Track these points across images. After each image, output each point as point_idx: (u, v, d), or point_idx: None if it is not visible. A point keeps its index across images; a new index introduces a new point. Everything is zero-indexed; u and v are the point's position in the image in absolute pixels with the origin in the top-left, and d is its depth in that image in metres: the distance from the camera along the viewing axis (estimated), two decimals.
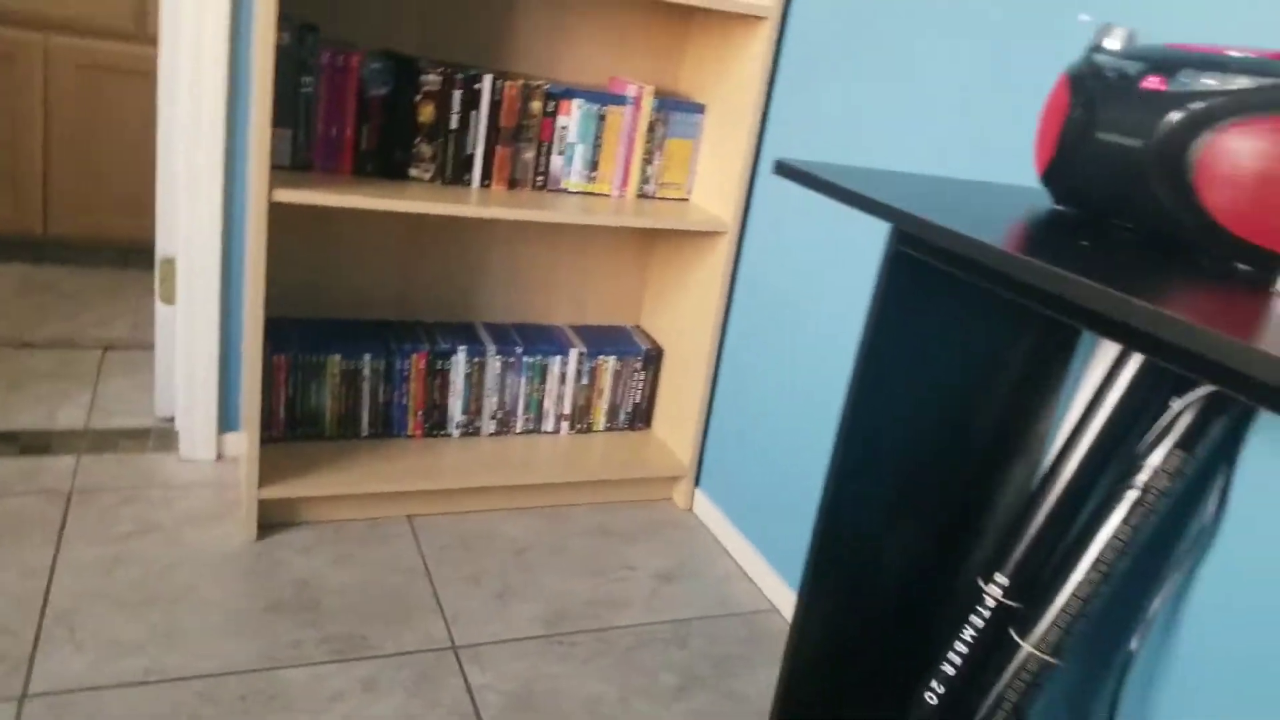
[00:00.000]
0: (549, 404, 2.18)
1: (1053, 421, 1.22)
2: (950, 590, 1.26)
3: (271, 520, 1.87)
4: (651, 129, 2.03)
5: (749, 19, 1.91)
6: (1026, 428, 1.22)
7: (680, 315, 2.18)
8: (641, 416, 2.30)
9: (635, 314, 2.37)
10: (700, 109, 2.05)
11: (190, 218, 1.90)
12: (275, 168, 1.76)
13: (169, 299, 2.05)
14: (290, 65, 1.71)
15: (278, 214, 1.95)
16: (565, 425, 2.22)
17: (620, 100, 1.98)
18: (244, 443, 1.78)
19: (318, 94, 1.75)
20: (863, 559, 1.18)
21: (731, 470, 2.06)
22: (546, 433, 2.21)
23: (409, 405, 2.06)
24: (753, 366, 1.99)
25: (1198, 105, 0.81)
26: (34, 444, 2.02)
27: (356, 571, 1.78)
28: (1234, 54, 0.83)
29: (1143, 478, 1.06)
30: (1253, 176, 0.79)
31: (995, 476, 1.23)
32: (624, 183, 2.04)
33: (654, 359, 2.25)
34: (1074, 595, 1.09)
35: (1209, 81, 0.82)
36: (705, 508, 2.14)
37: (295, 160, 1.78)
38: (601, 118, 1.97)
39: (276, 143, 1.74)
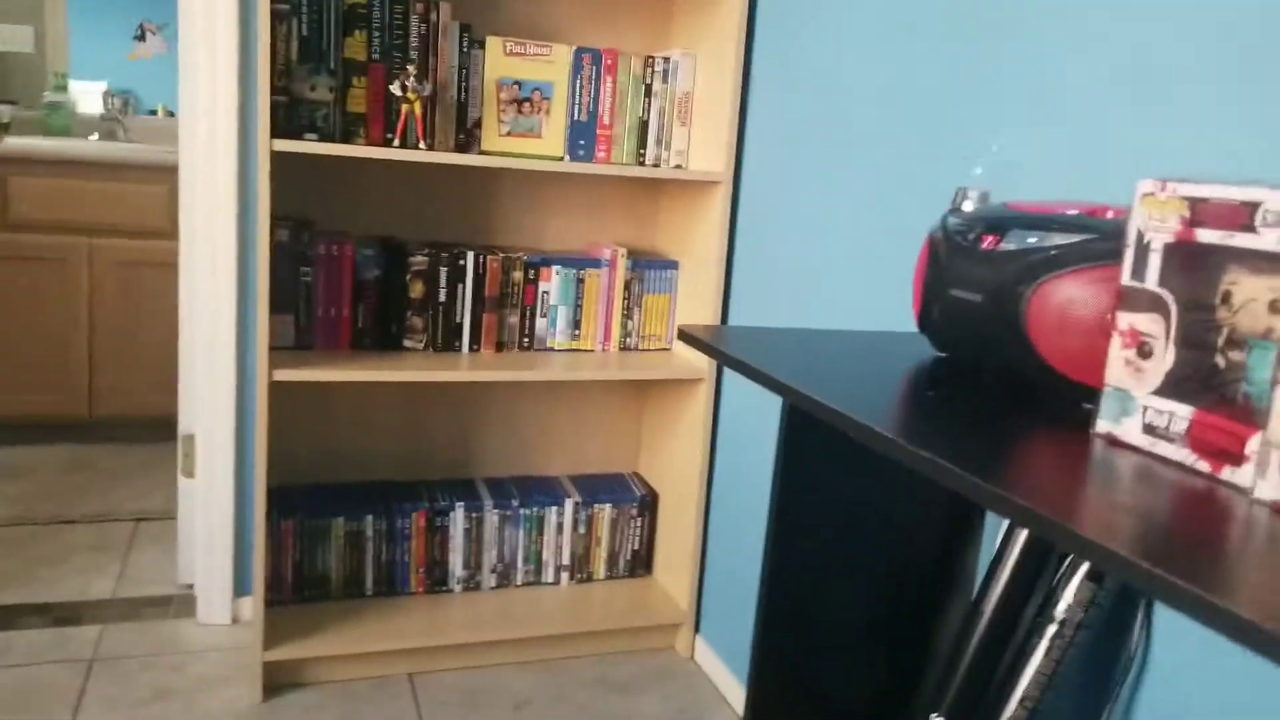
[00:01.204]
0: (548, 555, 2.25)
1: (978, 557, 1.26)
2: None
3: (280, 682, 1.94)
4: (628, 287, 2.17)
5: (706, 184, 2.08)
6: (956, 563, 1.26)
7: (672, 460, 2.26)
8: (641, 563, 2.35)
9: (633, 461, 2.46)
10: (674, 265, 2.20)
11: (208, 397, 2.07)
12: (278, 349, 1.92)
13: (189, 473, 2.20)
14: (290, 257, 1.89)
15: (283, 391, 2.11)
16: (565, 575, 2.28)
17: (596, 264, 2.13)
18: (255, 609, 1.88)
19: (316, 281, 1.93)
20: (806, 707, 1.21)
21: (730, 615, 2.09)
22: (547, 584, 2.27)
23: (411, 563, 2.14)
24: (741, 507, 2.05)
25: (1021, 262, 0.91)
26: (66, 615, 2.13)
27: None
28: (1062, 211, 0.93)
29: (1059, 611, 1.09)
30: (1076, 322, 0.87)
31: (932, 613, 1.27)
32: (606, 338, 2.17)
33: (650, 504, 2.32)
34: None
35: (1032, 240, 0.91)
36: (706, 655, 2.16)
37: (299, 341, 1.94)
38: (580, 280, 2.12)
39: (279, 327, 1.91)
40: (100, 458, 3.04)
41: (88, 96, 3.39)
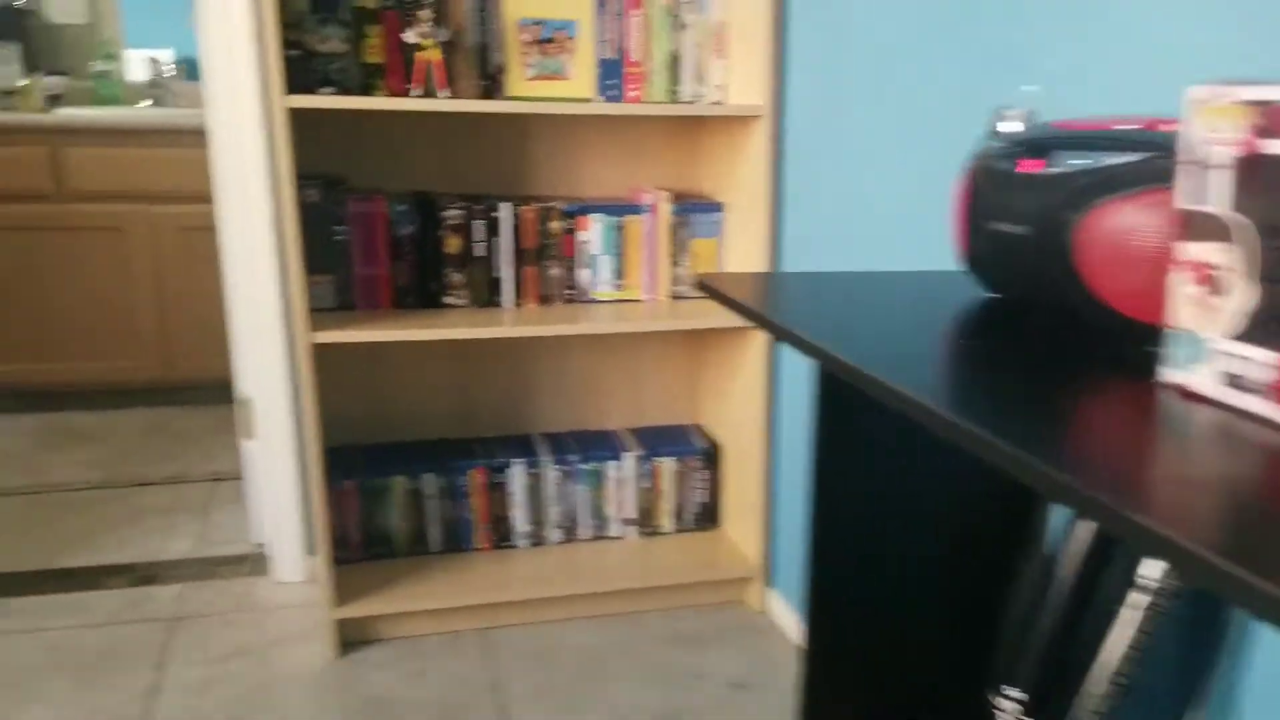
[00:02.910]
0: (611, 509, 2.22)
1: (1049, 512, 1.17)
2: (963, 709, 1.21)
3: (352, 638, 1.97)
4: (674, 232, 2.08)
5: (747, 120, 1.95)
6: (1027, 521, 1.17)
7: (733, 410, 2.19)
8: (709, 516, 2.30)
9: (694, 412, 2.39)
10: (719, 207, 2.09)
11: (258, 361, 2.07)
12: (319, 310, 1.90)
13: (250, 435, 2.23)
14: (322, 217, 1.86)
15: (330, 353, 2.10)
16: (631, 529, 2.25)
17: (636, 209, 2.04)
18: (321, 569, 1.90)
19: (351, 240, 1.89)
20: (860, 678, 1.15)
21: (802, 567, 2.03)
22: (613, 538, 2.24)
23: (474, 520, 2.14)
24: (806, 456, 1.97)
25: (1067, 187, 0.80)
26: (145, 575, 2.20)
27: (429, 688, 1.85)
28: (1114, 128, 0.81)
29: (1147, 575, 0.99)
30: (1133, 253, 0.76)
31: (1002, 576, 1.18)
32: (653, 287, 2.09)
33: (713, 456, 2.26)
34: (1094, 713, 1.02)
35: (1079, 161, 0.80)
36: (779, 608, 2.11)
37: (340, 301, 1.92)
38: (620, 228, 2.04)
39: (318, 288, 1.89)
40: (175, 420, 3.12)
41: (140, 64, 3.40)
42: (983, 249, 0.90)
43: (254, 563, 2.28)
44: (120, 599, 2.11)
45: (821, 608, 1.09)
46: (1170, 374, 0.71)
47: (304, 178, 1.89)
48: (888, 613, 1.14)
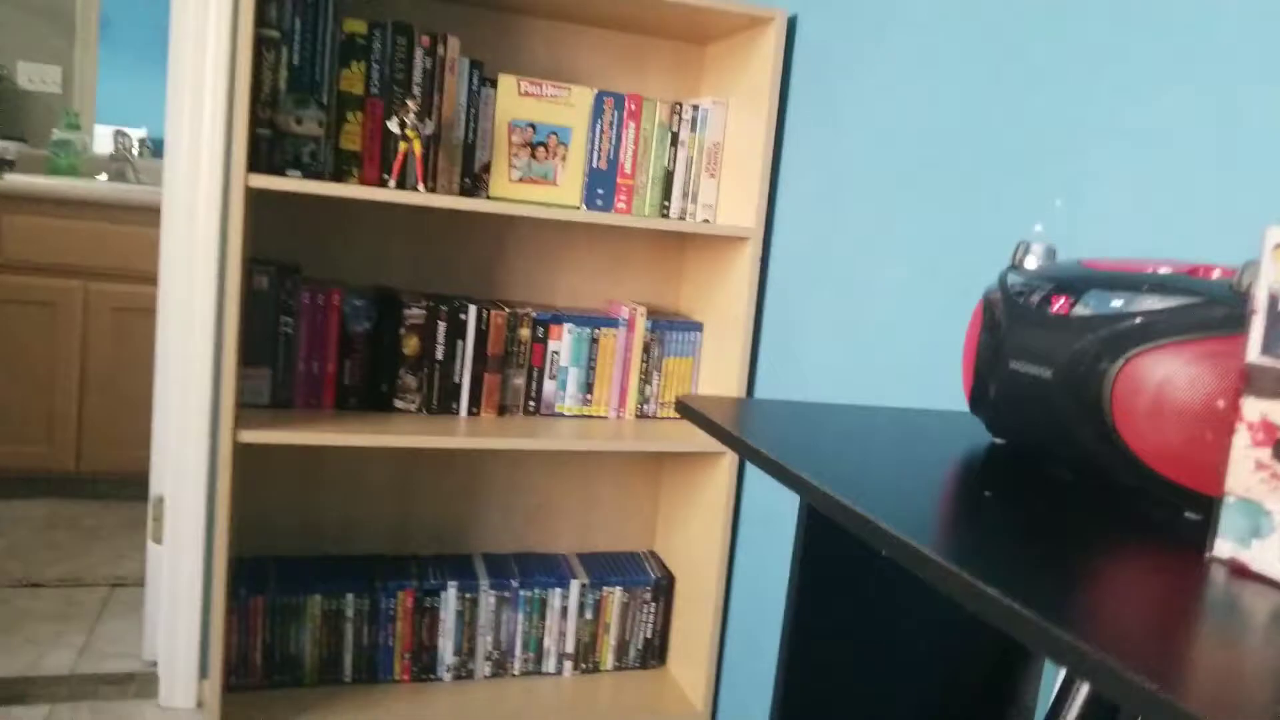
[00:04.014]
0: (549, 642, 2.02)
1: (1037, 691, 1.02)
2: None
3: None
4: (647, 349, 1.97)
5: (734, 240, 1.88)
6: (1010, 697, 1.03)
7: (691, 540, 2.04)
8: (654, 653, 2.11)
9: (649, 539, 2.23)
10: (698, 327, 2.00)
11: (178, 457, 1.88)
12: (252, 406, 1.74)
13: (158, 538, 2.01)
14: (269, 306, 1.72)
15: (256, 454, 1.92)
16: (569, 665, 2.04)
17: (613, 323, 1.94)
18: (210, 695, 1.66)
19: (298, 332, 1.75)
20: None
21: (749, 717, 1.84)
22: (548, 674, 2.03)
23: (395, 647, 1.92)
24: (765, 595, 1.81)
25: (1103, 331, 0.69)
26: (9, 693, 1.93)
27: None
28: (1151, 270, 0.72)
29: None
30: (1176, 408, 0.65)
31: None
32: (621, 404, 1.97)
33: (666, 588, 2.08)
34: None
35: (1117, 303, 0.70)
36: None
37: (275, 397, 1.76)
38: (594, 340, 1.93)
39: (252, 382, 1.73)
40: (83, 515, 2.86)
41: (105, 138, 3.29)
42: (996, 389, 0.80)
43: (141, 683, 2.02)
44: None
45: None
46: (1221, 547, 0.59)
47: (257, 263, 1.76)
48: None
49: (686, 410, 0.84)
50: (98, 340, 2.82)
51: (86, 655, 2.11)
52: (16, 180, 2.77)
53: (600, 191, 1.88)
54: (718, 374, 1.94)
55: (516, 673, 2.01)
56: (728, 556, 1.90)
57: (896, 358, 1.46)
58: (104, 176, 3.20)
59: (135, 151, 3.28)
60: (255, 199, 1.82)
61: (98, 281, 2.80)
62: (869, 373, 1.53)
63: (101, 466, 2.89)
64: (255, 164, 1.58)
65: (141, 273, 2.82)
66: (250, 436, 1.57)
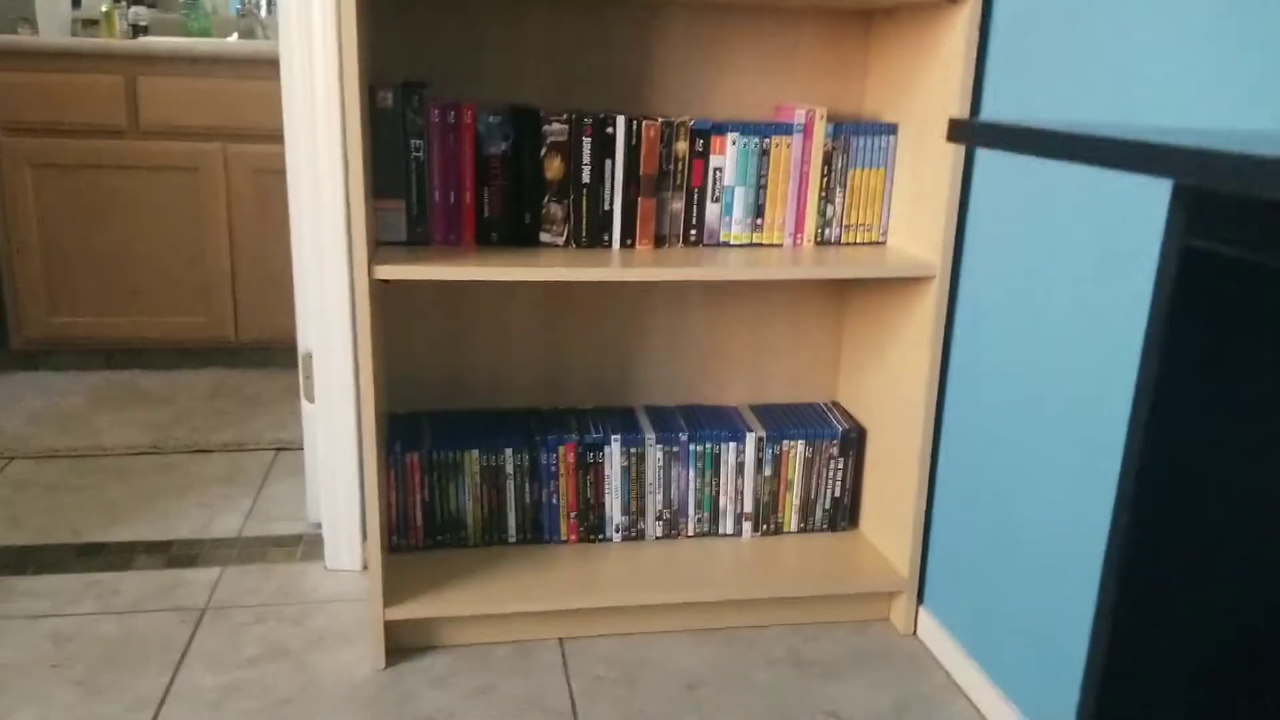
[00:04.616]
0: (725, 501, 1.82)
1: None
2: None
3: (405, 644, 1.63)
4: (828, 160, 1.66)
5: (942, 6, 1.52)
6: None
7: (885, 387, 1.77)
8: (844, 514, 1.88)
9: (831, 388, 1.97)
10: (891, 129, 1.67)
11: (321, 310, 1.75)
12: (388, 244, 1.56)
13: (310, 397, 1.91)
14: (395, 129, 1.52)
15: (398, 298, 1.76)
16: (747, 526, 1.84)
17: (786, 130, 1.64)
18: (372, 556, 1.56)
19: (429, 158, 1.54)
20: None
21: (966, 582, 1.59)
22: (725, 535, 1.84)
23: (560, 505, 1.77)
24: (985, 444, 1.54)
25: None
26: (182, 555, 1.91)
27: (494, 710, 1.49)
28: None
29: None
30: None
31: None
32: (799, 228, 1.69)
33: (854, 442, 1.83)
34: None
35: None
36: (932, 631, 1.68)
37: (412, 234, 1.57)
38: (764, 153, 1.64)
39: (386, 216, 1.55)
40: (246, 383, 2.86)
41: None
42: None
43: (308, 546, 1.97)
44: (150, 582, 1.81)
45: (1114, 658, 0.67)
46: None
47: (370, 75, 1.55)
48: (1214, 627, 0.71)
49: (978, 133, 0.56)
50: (241, 205, 2.75)
51: (254, 518, 2.07)
52: (150, 42, 2.67)
53: None
54: (919, 185, 1.62)
55: (691, 533, 1.83)
56: (934, 401, 1.62)
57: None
58: (234, 36, 3.08)
59: (263, 8, 3.14)
60: (375, 5, 1.60)
61: (236, 143, 2.70)
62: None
63: (258, 333, 2.86)
64: None
65: (275, 131, 2.70)
66: (387, 272, 1.40)
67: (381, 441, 1.56)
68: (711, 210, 1.65)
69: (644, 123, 1.58)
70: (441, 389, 1.83)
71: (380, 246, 1.55)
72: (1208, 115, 1.07)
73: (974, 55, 1.48)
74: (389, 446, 1.69)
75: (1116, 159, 0.48)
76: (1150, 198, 1.16)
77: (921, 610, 1.71)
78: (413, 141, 1.53)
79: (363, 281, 1.40)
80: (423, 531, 1.74)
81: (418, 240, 1.58)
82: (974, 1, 1.45)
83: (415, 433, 1.74)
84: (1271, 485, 0.68)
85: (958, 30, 1.47)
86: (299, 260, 1.87)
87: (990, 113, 1.46)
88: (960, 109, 1.48)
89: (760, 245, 1.69)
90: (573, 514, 1.77)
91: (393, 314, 1.78)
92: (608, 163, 1.59)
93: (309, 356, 1.88)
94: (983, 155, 1.49)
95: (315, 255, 1.72)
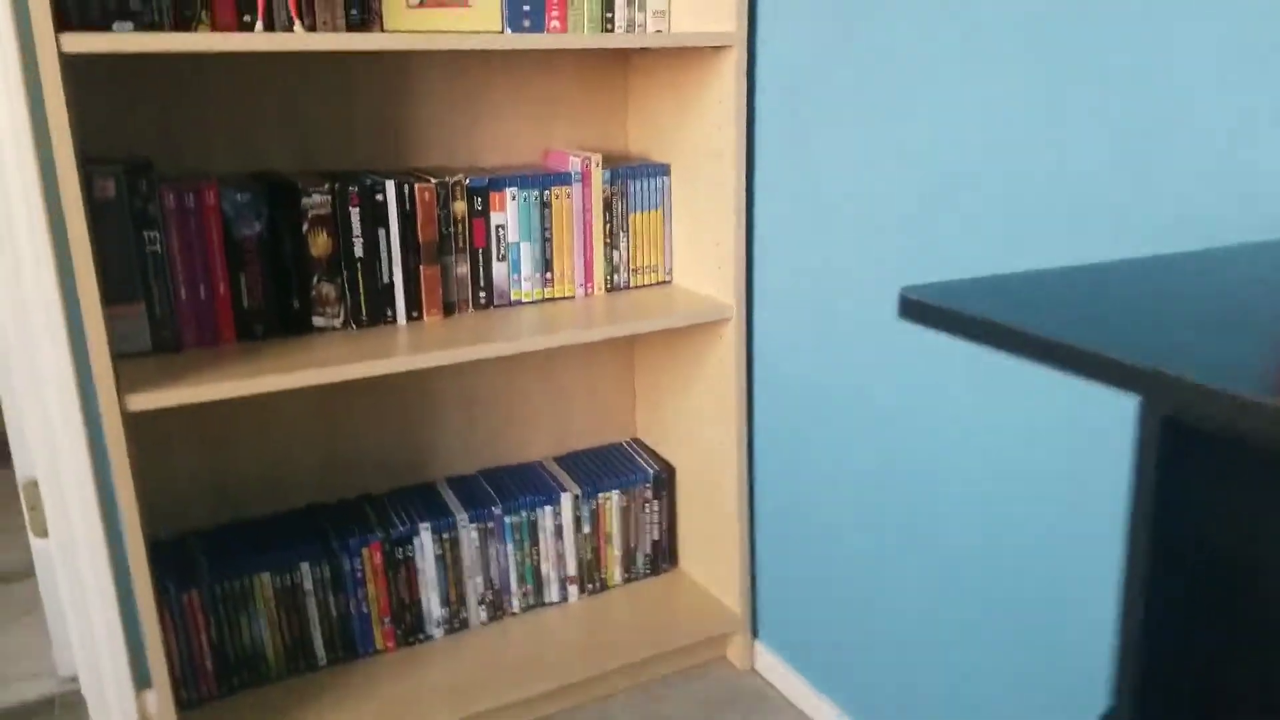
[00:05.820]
0: (548, 568, 1.73)
1: None
2: None
3: None
4: (609, 206, 1.61)
5: (706, 51, 1.51)
6: None
7: (690, 423, 1.75)
8: (664, 555, 1.85)
9: (629, 427, 1.93)
10: (664, 170, 1.65)
11: (45, 430, 1.46)
12: (126, 357, 1.32)
13: (40, 531, 1.60)
14: (123, 221, 1.28)
15: (151, 414, 1.51)
16: (573, 590, 1.76)
17: (565, 179, 1.57)
18: (161, 716, 1.31)
19: (168, 250, 1.32)
20: None
21: (798, 611, 1.61)
22: (551, 604, 1.75)
23: (371, 613, 1.59)
24: (799, 474, 1.55)
25: None
26: None
27: None
28: None
29: None
30: None
31: None
32: (588, 278, 1.62)
33: (665, 482, 1.81)
34: None
35: None
36: (771, 664, 1.68)
37: (157, 340, 1.34)
38: (545, 205, 1.56)
39: (123, 325, 1.31)
40: None
41: None
42: None
43: (64, 710, 1.65)
44: None
45: None
46: None
47: (95, 163, 1.30)
48: None
49: (923, 311, 0.52)
50: None
51: None
52: None
53: (526, 8, 1.47)
54: (698, 226, 1.61)
55: (516, 610, 1.72)
56: (745, 435, 1.62)
57: (961, 187, 1.16)
58: None
59: None
60: (75, 70, 1.34)
61: None
62: (907, 216, 1.22)
63: None
64: (65, 16, 1.13)
65: None
66: (142, 402, 1.17)
67: (154, 584, 1.32)
68: (499, 269, 1.55)
69: (416, 185, 1.45)
70: (208, 501, 1.59)
71: (122, 360, 1.31)
72: (976, 142, 1.12)
73: (744, 97, 1.48)
74: (159, 585, 1.45)
75: (1091, 370, 0.46)
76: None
77: (757, 645, 1.71)
78: (146, 234, 1.30)
79: (112, 414, 1.17)
80: (214, 678, 1.51)
81: (165, 346, 1.35)
82: (739, 47, 1.45)
83: (187, 563, 1.49)
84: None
85: (726, 72, 1.47)
86: (6, 368, 1.55)
87: (766, 153, 1.47)
88: (735, 151, 1.48)
89: (553, 299, 1.61)
90: (386, 619, 1.61)
91: (139, 422, 1.52)
92: (381, 232, 1.44)
93: (33, 484, 1.57)
94: (761, 189, 1.50)
95: (30, 381, 1.42)
